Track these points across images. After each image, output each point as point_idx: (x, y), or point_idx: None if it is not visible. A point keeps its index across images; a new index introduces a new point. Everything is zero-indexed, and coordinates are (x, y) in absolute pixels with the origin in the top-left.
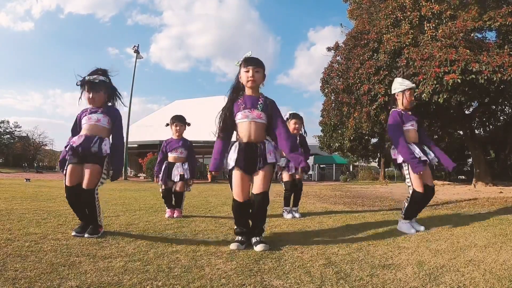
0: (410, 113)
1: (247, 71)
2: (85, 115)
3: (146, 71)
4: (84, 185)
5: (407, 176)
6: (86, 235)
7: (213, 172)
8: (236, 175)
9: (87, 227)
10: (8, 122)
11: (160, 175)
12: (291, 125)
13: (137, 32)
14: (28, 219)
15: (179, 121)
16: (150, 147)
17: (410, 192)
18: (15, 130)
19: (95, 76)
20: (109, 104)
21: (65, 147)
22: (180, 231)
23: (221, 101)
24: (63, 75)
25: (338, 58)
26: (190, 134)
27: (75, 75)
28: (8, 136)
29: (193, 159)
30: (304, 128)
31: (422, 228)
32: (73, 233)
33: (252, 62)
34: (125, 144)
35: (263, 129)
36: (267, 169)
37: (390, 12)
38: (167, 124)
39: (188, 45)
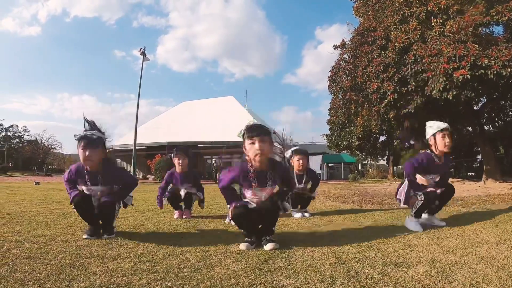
0: (442, 160)
1: (253, 143)
2: (83, 182)
3: (153, 73)
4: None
5: None
6: (105, 236)
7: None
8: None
9: (98, 230)
10: (17, 126)
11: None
12: (295, 162)
13: (143, 34)
14: (37, 221)
15: (182, 153)
16: (158, 149)
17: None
18: (24, 134)
19: (93, 131)
20: (106, 158)
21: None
22: (189, 232)
23: (229, 102)
24: (71, 78)
25: (345, 56)
26: (198, 135)
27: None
28: (17, 140)
29: (200, 187)
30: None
31: (443, 223)
32: (85, 236)
33: (257, 132)
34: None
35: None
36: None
37: (397, 9)
38: (171, 157)
39: (194, 46)
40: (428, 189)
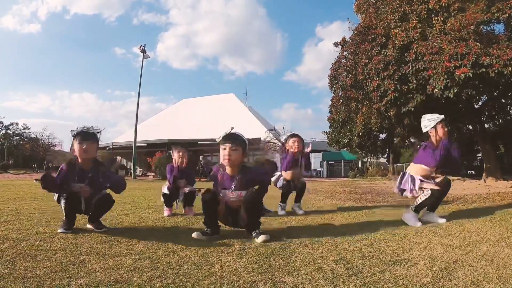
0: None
1: (224, 149)
2: (72, 180)
3: (153, 70)
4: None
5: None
6: (95, 228)
7: None
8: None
9: (73, 224)
10: (17, 124)
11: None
12: (290, 143)
13: (143, 32)
14: (37, 219)
15: (183, 149)
16: (158, 146)
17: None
18: (24, 132)
19: (89, 127)
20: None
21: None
22: (189, 229)
23: (229, 99)
24: (71, 76)
25: (345, 53)
26: (198, 133)
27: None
28: (18, 138)
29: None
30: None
31: (443, 220)
32: (60, 230)
33: (230, 140)
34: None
35: None
36: None
37: (397, 6)
38: (169, 153)
39: (195, 44)
40: (435, 187)
